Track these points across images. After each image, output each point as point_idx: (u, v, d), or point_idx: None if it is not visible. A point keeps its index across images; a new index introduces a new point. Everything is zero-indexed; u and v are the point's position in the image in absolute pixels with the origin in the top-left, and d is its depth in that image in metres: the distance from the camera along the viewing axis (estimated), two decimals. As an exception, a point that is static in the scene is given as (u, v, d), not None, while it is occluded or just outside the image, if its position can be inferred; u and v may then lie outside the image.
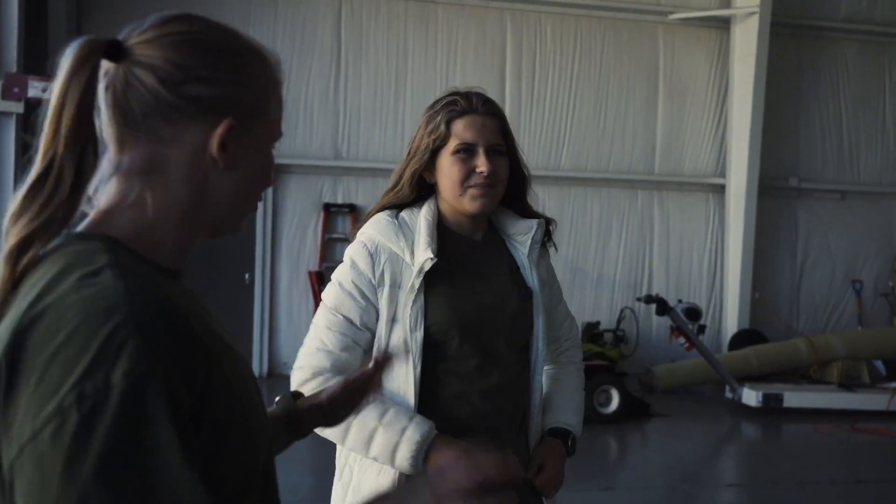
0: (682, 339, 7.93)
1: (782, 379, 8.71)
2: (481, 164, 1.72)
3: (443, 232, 1.78)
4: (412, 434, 1.62)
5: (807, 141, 10.81)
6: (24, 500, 0.71)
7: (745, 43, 10.06)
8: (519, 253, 1.85)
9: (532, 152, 10.01)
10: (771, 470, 6.20)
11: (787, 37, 10.48)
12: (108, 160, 0.89)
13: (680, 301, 8.56)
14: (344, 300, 1.73)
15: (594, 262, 10.23)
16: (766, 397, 7.73)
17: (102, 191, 0.89)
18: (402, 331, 1.70)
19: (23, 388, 0.72)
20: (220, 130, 0.90)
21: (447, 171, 1.75)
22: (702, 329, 8.21)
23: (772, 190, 10.56)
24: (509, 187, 1.82)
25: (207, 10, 8.95)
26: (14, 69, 7.21)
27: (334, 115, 9.50)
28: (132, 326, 0.75)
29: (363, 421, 1.63)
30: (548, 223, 1.91)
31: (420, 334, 1.69)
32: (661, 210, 10.47)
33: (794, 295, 10.84)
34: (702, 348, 7.95)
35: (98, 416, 0.71)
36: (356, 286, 1.73)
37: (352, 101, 9.53)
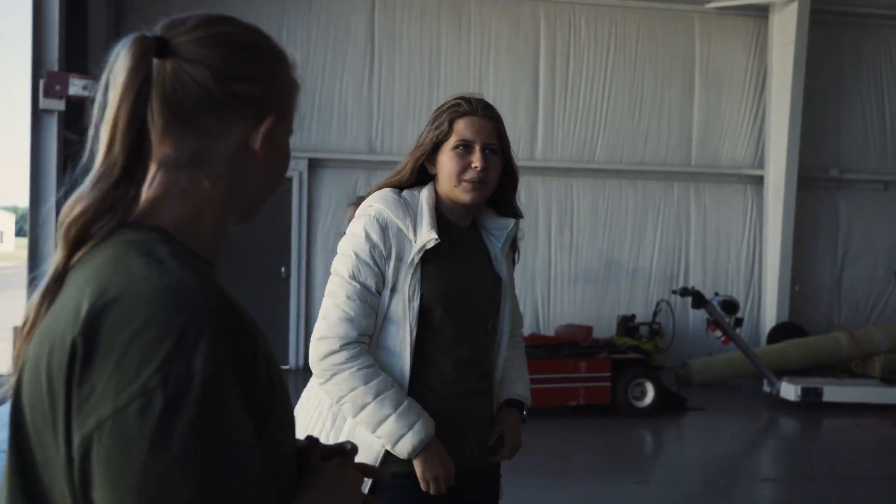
0: (718, 333, 7.84)
1: (822, 373, 8.59)
2: (476, 160, 1.97)
3: (438, 216, 2.00)
4: (419, 430, 1.87)
5: (848, 131, 10.61)
6: (103, 471, 0.75)
7: (784, 31, 9.90)
8: (493, 245, 2.10)
9: (566, 145, 9.98)
10: (809, 465, 6.13)
11: (827, 24, 10.29)
12: (152, 152, 0.92)
13: (716, 294, 8.46)
14: (361, 268, 1.92)
15: (629, 254, 10.16)
16: (805, 391, 7.63)
17: (148, 182, 0.93)
18: (402, 300, 1.92)
19: (101, 368, 0.77)
20: (264, 127, 0.96)
21: (446, 163, 1.99)
22: (739, 322, 8.11)
23: (812, 181, 10.38)
24: (500, 184, 2.06)
25: (242, 8, 9.08)
26: (56, 68, 7.36)
27: (368, 110, 9.55)
28: (205, 316, 0.80)
29: (381, 405, 1.86)
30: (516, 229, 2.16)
31: (417, 304, 1.92)
32: (698, 202, 10.36)
33: (835, 287, 10.66)
34: (739, 341, 7.86)
35: (183, 398, 0.76)
36: (371, 255, 1.92)
37: (385, 95, 9.57)
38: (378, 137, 9.56)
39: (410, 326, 1.91)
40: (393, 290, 1.93)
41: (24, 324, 0.87)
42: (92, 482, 0.76)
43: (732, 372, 8.54)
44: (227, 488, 0.76)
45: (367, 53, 9.56)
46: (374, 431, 1.88)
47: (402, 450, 1.87)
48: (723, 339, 7.87)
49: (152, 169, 0.92)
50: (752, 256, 10.44)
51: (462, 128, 1.98)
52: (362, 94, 9.55)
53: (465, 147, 1.97)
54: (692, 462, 6.15)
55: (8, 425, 0.85)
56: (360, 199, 2.06)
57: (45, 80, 7.25)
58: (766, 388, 7.99)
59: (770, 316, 10.12)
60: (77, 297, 0.82)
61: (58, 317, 0.82)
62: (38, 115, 7.36)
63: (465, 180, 1.97)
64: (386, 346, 1.93)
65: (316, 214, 9.37)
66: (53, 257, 0.89)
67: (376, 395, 1.86)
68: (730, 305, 7.90)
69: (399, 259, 1.93)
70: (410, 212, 1.96)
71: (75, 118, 7.69)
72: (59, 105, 7.28)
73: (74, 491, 0.78)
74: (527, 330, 9.62)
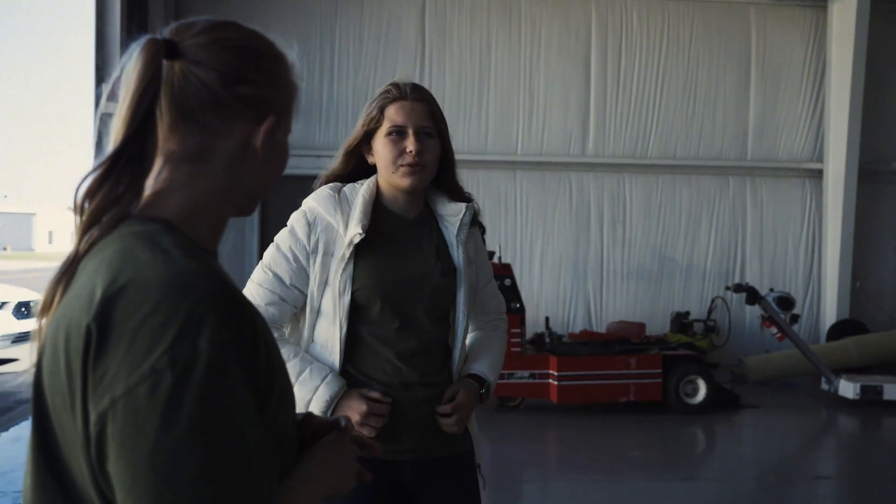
0: (773, 330, 7.71)
1: (884, 371, 8.37)
2: (410, 144, 1.93)
3: (379, 208, 1.99)
4: (322, 393, 1.88)
5: (911, 122, 10.30)
6: (117, 446, 0.82)
7: (844, 22, 9.67)
8: (448, 232, 2.04)
9: (619, 140, 9.92)
10: (866, 464, 5.99)
11: (887, 15, 10.01)
12: (160, 148, 0.99)
13: (772, 290, 8.32)
14: (278, 260, 1.95)
15: (683, 251, 10.05)
16: (864, 389, 7.45)
17: (154, 175, 1.00)
18: (332, 294, 1.92)
19: (113, 350, 0.83)
20: (265, 127, 1.03)
21: (381, 151, 1.96)
22: (795, 318, 7.96)
23: (872, 174, 10.12)
24: (441, 167, 2.02)
25: (297, 9, 9.26)
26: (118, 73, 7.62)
27: (419, 108, 9.62)
28: (209, 301, 0.86)
29: None
30: (475, 210, 2.09)
31: (347, 298, 1.91)
32: (755, 197, 10.19)
33: (899, 284, 10.36)
34: (794, 338, 7.72)
35: (190, 377, 0.82)
36: (291, 249, 1.95)
37: (436, 93, 9.42)
38: (429, 136, 9.62)
39: (340, 321, 1.91)
40: (325, 284, 1.93)
41: (42, 306, 0.94)
42: (107, 456, 0.83)
43: (789, 369, 8.38)
44: (231, 460, 0.82)
45: (417, 52, 9.65)
46: None
47: (316, 412, 1.85)
48: (778, 335, 7.74)
49: (158, 163, 0.99)
50: (811, 252, 10.22)
51: (393, 113, 1.95)
52: (414, 93, 9.62)
53: (397, 132, 1.94)
54: (745, 459, 6.08)
55: (31, 404, 0.92)
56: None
57: (107, 85, 7.51)
58: (825, 386, 7.83)
59: (830, 313, 9.90)
60: (90, 284, 0.88)
61: (73, 303, 0.89)
62: (101, 118, 7.63)
63: (401, 165, 1.93)
64: (318, 340, 1.96)
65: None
66: (71, 245, 0.95)
67: None
68: (785, 301, 7.77)
69: (327, 254, 1.93)
70: (345, 206, 1.95)
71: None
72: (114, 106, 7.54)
73: (91, 464, 0.85)
74: (579, 326, 9.61)
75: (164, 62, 0.96)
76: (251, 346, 0.90)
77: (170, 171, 0.99)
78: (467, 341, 2.14)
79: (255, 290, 1.94)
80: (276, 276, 1.94)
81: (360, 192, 1.98)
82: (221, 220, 1.04)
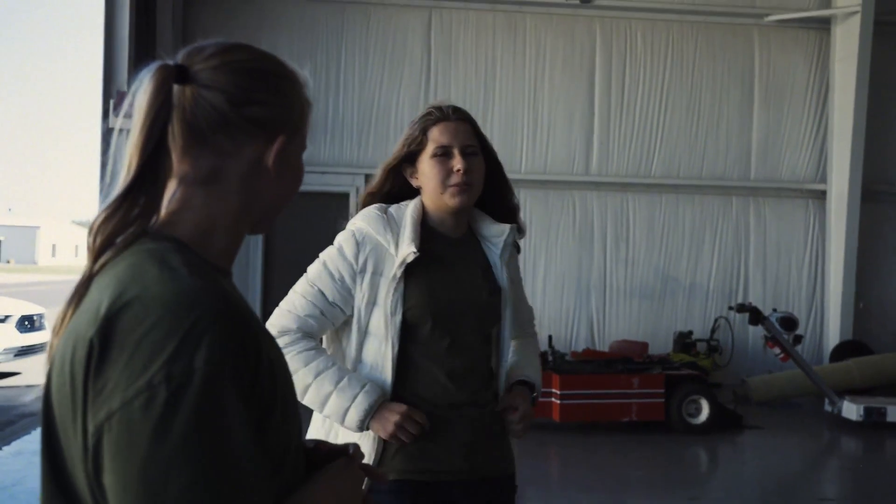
0: (776, 350, 7.69)
1: (887, 392, 8.33)
2: (457, 164, 1.94)
3: (425, 228, 2.00)
4: (361, 401, 1.87)
5: (915, 144, 10.32)
6: (111, 457, 0.83)
7: (847, 44, 9.72)
8: (492, 253, 2.06)
9: (622, 159, 9.94)
10: (869, 486, 5.97)
11: (890, 36, 10.06)
12: (172, 170, 1.01)
13: (775, 310, 8.31)
14: (323, 277, 1.97)
15: (686, 270, 10.05)
16: (867, 411, 7.42)
17: (169, 197, 1.02)
18: (382, 314, 1.92)
19: (113, 364, 0.85)
20: (276, 146, 1.04)
21: (428, 172, 1.97)
22: (798, 339, 7.94)
23: (876, 195, 10.13)
24: (488, 186, 2.03)
25: (303, 25, 9.34)
26: (125, 88, 7.68)
27: (424, 125, 9.67)
28: (210, 319, 0.87)
29: (321, 384, 1.89)
30: (519, 229, 2.11)
31: (398, 318, 1.92)
32: (758, 217, 10.20)
33: (902, 305, 10.34)
34: (797, 359, 7.70)
35: (184, 394, 0.83)
36: (337, 269, 1.96)
37: (441, 111, 9.66)
38: (434, 153, 9.66)
39: (392, 340, 1.90)
40: (374, 304, 1.93)
41: (56, 324, 0.96)
42: (103, 468, 0.84)
43: (792, 390, 8.35)
44: (222, 477, 0.83)
45: (423, 69, 9.70)
46: (322, 412, 1.90)
47: (351, 423, 1.88)
48: (781, 356, 7.72)
49: (172, 185, 1.01)
50: (815, 273, 10.21)
51: (437, 134, 1.96)
52: (418, 111, 9.56)
53: (443, 153, 1.95)
54: (747, 480, 6.05)
55: (41, 416, 0.94)
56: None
57: (115, 99, 7.57)
58: (828, 408, 7.80)
59: (833, 334, 9.88)
60: (98, 299, 0.90)
61: (82, 317, 0.91)
62: (108, 132, 7.69)
63: (449, 185, 1.94)
64: (367, 361, 1.94)
65: (372, 229, 9.50)
66: (85, 263, 0.97)
67: (316, 375, 1.88)
68: (788, 322, 7.75)
69: (377, 274, 1.93)
70: (393, 226, 1.96)
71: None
72: (128, 124, 7.58)
73: (88, 476, 0.86)
74: (581, 344, 9.60)
75: (175, 87, 0.99)
76: (253, 364, 0.91)
77: (184, 192, 1.01)
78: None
79: (298, 300, 1.96)
80: (319, 290, 1.95)
81: (407, 212, 1.99)
82: (236, 238, 1.06)
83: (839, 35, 9.86)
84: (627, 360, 7.47)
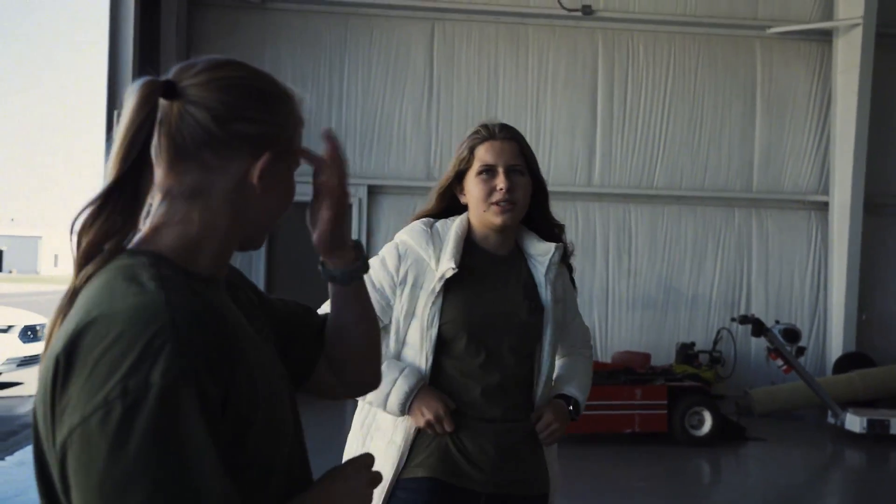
0: (779, 362, 7.68)
1: (891, 405, 8.31)
2: (500, 182, 1.99)
3: (470, 245, 2.04)
4: (401, 384, 1.91)
5: (917, 155, 10.32)
6: (73, 474, 0.84)
7: (849, 56, 9.74)
8: (538, 272, 2.08)
9: (624, 171, 9.96)
10: (872, 499, 5.94)
11: (892, 48, 10.08)
12: (156, 184, 1.02)
13: (777, 322, 8.30)
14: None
15: (689, 281, 10.04)
16: (871, 423, 7.40)
17: (153, 211, 1.02)
18: (419, 326, 1.96)
19: (75, 381, 0.85)
20: (261, 163, 1.04)
21: (472, 190, 2.03)
22: (801, 351, 7.92)
23: (879, 206, 10.13)
24: (533, 202, 2.07)
25: (306, 35, 9.37)
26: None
27: (427, 136, 9.71)
28: (169, 332, 0.87)
29: None
30: (566, 248, 2.15)
31: (434, 331, 1.95)
32: (760, 228, 10.20)
33: (905, 317, 10.32)
34: (800, 371, 7.68)
35: (139, 409, 0.83)
36: (378, 279, 2.01)
37: (444, 122, 9.71)
38: (437, 164, 9.69)
39: (427, 353, 1.94)
40: (412, 316, 1.98)
41: (46, 339, 0.97)
42: (69, 485, 0.85)
43: (795, 402, 8.33)
44: (179, 492, 0.82)
45: (425, 81, 9.73)
46: (363, 400, 1.97)
47: (392, 407, 1.92)
48: (784, 368, 7.70)
49: (156, 199, 1.01)
50: (817, 284, 10.20)
51: (483, 153, 2.01)
52: (421, 121, 9.72)
53: (487, 171, 2.00)
54: (750, 492, 6.03)
55: (32, 429, 0.95)
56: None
57: (118, 110, 7.60)
58: (831, 420, 7.78)
59: (836, 345, 9.86)
60: (71, 318, 0.92)
61: (59, 335, 0.92)
62: (111, 143, 7.69)
63: (492, 203, 1.99)
64: None
65: (375, 240, 9.51)
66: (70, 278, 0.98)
67: None
68: (791, 334, 7.74)
69: (417, 286, 1.97)
70: (437, 241, 2.00)
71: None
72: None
73: (62, 491, 0.87)
74: (584, 356, 9.57)
75: (162, 102, 0.99)
76: (226, 376, 0.91)
77: (168, 206, 1.01)
78: (555, 368, 2.18)
79: None
80: None
81: (452, 227, 2.03)
82: (223, 252, 1.06)
83: (841, 47, 9.89)
84: (630, 371, 7.46)
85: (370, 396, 1.92)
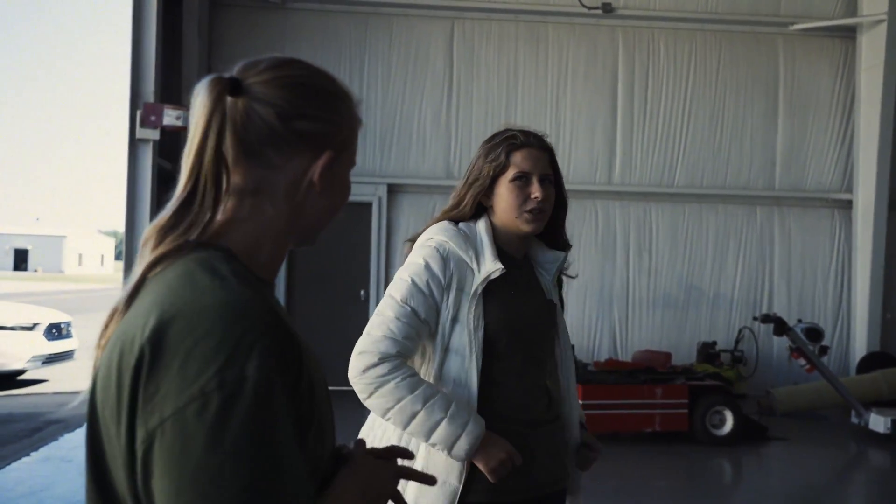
0: (802, 361, 7.62)
1: (916, 405, 8.21)
2: (536, 191, 2.01)
3: (496, 247, 2.03)
4: (472, 429, 1.85)
5: (943, 153, 10.19)
6: (163, 463, 0.85)
7: (873, 52, 9.64)
8: (544, 278, 2.12)
9: (645, 169, 9.91)
10: (897, 500, 5.88)
11: (918, 44, 9.95)
12: (230, 181, 1.03)
13: (799, 321, 8.23)
14: (414, 294, 1.93)
15: (710, 280, 9.99)
16: (895, 423, 7.32)
17: (222, 207, 1.03)
18: (465, 330, 1.93)
19: (165, 371, 0.86)
20: (322, 161, 1.06)
21: (505, 196, 2.02)
22: (824, 350, 7.85)
23: (904, 205, 10.01)
24: (552, 214, 2.09)
25: (327, 36, 9.41)
26: (151, 100, 7.78)
27: (446, 135, 9.72)
28: (260, 329, 0.89)
29: (431, 412, 1.85)
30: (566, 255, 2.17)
31: (481, 333, 1.93)
32: (782, 227, 10.12)
33: (931, 316, 10.19)
34: (823, 370, 7.62)
35: (237, 401, 0.85)
36: (428, 284, 1.94)
37: (463, 121, 9.72)
38: (456, 163, 9.70)
39: (476, 356, 1.91)
40: (455, 320, 1.93)
41: (102, 328, 0.98)
42: (153, 472, 0.85)
43: (818, 402, 8.26)
44: (272, 482, 0.84)
45: (445, 80, 9.74)
46: (427, 440, 1.86)
47: (460, 451, 1.85)
48: (807, 367, 7.64)
49: (225, 196, 1.02)
50: (841, 283, 10.11)
51: (520, 160, 2.01)
52: (441, 120, 9.73)
53: (523, 179, 2.01)
54: (772, 493, 5.99)
55: (87, 417, 0.96)
56: (417, 237, 2.08)
57: (141, 111, 7.67)
58: (854, 420, 7.71)
59: (860, 345, 9.76)
60: (149, 306, 0.92)
61: (131, 323, 0.93)
62: (135, 143, 7.78)
63: (525, 211, 2.00)
64: (451, 377, 1.93)
65: (394, 239, 9.55)
66: (135, 270, 0.99)
67: (425, 402, 1.84)
68: (813, 333, 7.67)
69: (460, 290, 1.94)
70: (472, 243, 1.99)
71: (169, 147, 8.09)
72: (154, 135, 7.69)
73: (135, 479, 0.88)
74: (604, 354, 9.56)
75: (228, 99, 1.00)
76: (296, 376, 0.93)
77: (233, 203, 1.03)
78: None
79: (393, 323, 1.90)
80: (413, 310, 1.91)
81: (480, 230, 2.03)
82: (280, 251, 1.08)
83: (865, 43, 9.79)
84: (651, 370, 7.43)
85: (436, 437, 1.85)
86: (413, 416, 1.85)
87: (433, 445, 1.88)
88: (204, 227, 0.99)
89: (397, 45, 9.71)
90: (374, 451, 1.18)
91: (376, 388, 1.86)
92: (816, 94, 10.11)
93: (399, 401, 1.85)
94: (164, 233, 0.98)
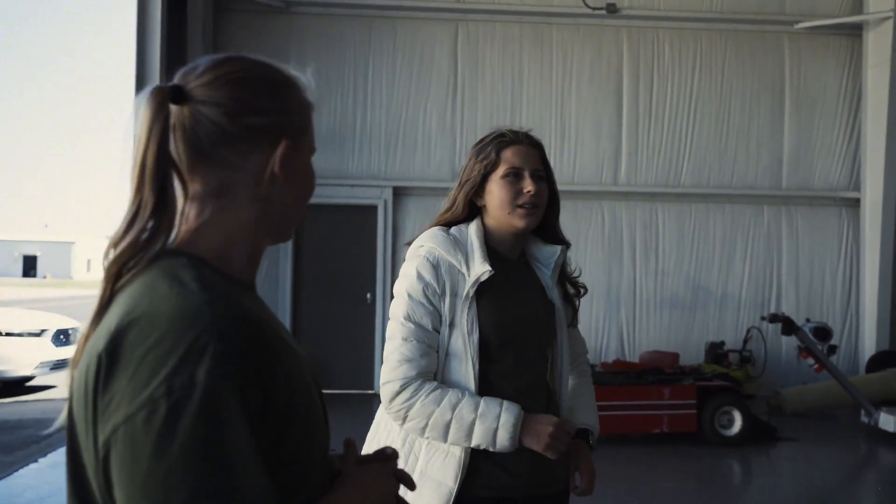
0: (810, 361, 7.58)
1: (926, 404, 8.16)
2: (528, 185, 2.01)
3: (487, 249, 2.03)
4: (506, 419, 1.87)
5: (951, 150, 10.13)
6: (117, 471, 0.85)
7: (880, 49, 9.59)
8: (544, 275, 2.10)
9: (651, 169, 9.89)
10: (908, 499, 5.84)
11: (925, 41, 9.90)
12: (186, 188, 1.03)
13: (808, 320, 8.19)
14: (415, 309, 1.94)
15: (718, 280, 9.95)
16: (905, 422, 7.27)
17: (182, 214, 1.03)
18: (461, 334, 1.94)
19: (118, 379, 0.86)
20: (279, 152, 1.05)
21: (497, 192, 2.02)
22: (832, 349, 7.82)
23: (912, 203, 9.95)
24: (545, 211, 2.09)
25: (331, 39, 9.41)
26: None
27: (451, 138, 9.71)
28: (214, 333, 0.88)
29: (461, 416, 1.87)
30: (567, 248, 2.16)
31: (476, 336, 1.93)
32: (790, 226, 10.07)
33: (941, 314, 10.13)
34: (832, 369, 7.57)
35: (184, 407, 0.83)
36: (425, 294, 1.95)
37: (468, 123, 9.70)
38: (461, 165, 9.65)
39: (472, 359, 1.92)
40: (451, 325, 1.95)
41: (79, 341, 0.98)
42: (112, 482, 0.85)
43: (828, 401, 8.21)
44: (222, 491, 0.83)
45: (450, 82, 9.74)
46: (472, 444, 1.88)
47: (504, 442, 1.87)
48: (816, 366, 7.60)
49: (186, 203, 1.02)
50: (849, 282, 10.06)
51: (510, 156, 2.02)
52: (446, 123, 9.72)
53: (515, 174, 2.01)
54: (782, 493, 5.96)
55: (66, 429, 0.96)
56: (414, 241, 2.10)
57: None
58: (864, 419, 7.66)
59: (869, 344, 9.71)
60: (112, 317, 0.92)
61: (98, 334, 0.93)
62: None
63: (518, 206, 2.00)
64: (450, 381, 1.95)
65: (400, 241, 9.52)
66: (100, 285, 0.99)
67: (454, 410, 1.87)
68: (822, 332, 7.63)
69: (454, 294, 1.95)
70: (461, 247, 1.99)
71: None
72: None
73: (101, 489, 0.88)
74: (611, 355, 9.53)
75: (173, 107, 1.00)
76: (266, 378, 0.91)
77: (198, 209, 1.02)
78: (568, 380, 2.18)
79: (404, 346, 1.92)
80: (420, 326, 1.93)
81: (470, 233, 2.03)
82: (256, 250, 1.07)
83: (871, 41, 9.74)
84: (658, 371, 7.40)
85: (476, 438, 1.87)
86: (447, 427, 1.88)
87: (479, 447, 1.89)
88: (162, 238, 0.98)
89: (402, 48, 9.71)
90: (365, 457, 1.17)
91: (406, 413, 1.90)
92: (823, 92, 10.07)
93: (429, 416, 1.88)
94: (115, 245, 0.97)
